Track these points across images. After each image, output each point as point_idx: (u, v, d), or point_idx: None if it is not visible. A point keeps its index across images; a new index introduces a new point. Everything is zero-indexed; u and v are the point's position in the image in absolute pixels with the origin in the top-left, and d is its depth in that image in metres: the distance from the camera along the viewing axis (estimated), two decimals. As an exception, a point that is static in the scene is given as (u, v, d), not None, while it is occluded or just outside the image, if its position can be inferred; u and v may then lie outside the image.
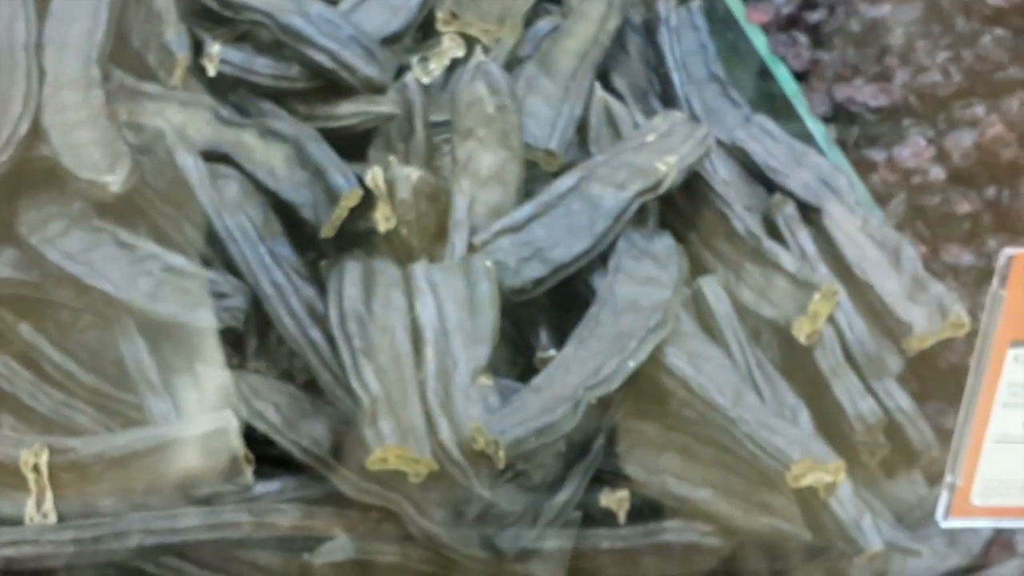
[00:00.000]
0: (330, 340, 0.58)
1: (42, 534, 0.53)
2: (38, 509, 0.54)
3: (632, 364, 0.58)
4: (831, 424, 0.63)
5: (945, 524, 0.56)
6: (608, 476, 0.60)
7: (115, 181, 0.60)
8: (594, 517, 0.59)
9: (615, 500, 0.59)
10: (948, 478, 0.56)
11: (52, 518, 0.54)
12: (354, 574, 0.58)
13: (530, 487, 0.57)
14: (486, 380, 0.58)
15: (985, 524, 0.57)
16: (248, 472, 0.55)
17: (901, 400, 0.63)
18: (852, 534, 0.57)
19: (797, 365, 0.65)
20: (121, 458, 0.54)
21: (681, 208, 0.70)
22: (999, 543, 0.64)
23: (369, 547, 0.57)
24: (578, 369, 0.57)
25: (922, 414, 0.65)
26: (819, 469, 0.56)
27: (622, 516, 0.59)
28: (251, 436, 0.57)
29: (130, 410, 0.58)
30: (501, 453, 0.53)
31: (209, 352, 0.60)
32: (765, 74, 0.87)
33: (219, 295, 0.59)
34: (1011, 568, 0.63)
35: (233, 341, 0.60)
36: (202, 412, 0.57)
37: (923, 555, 0.60)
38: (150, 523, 0.54)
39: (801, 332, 0.63)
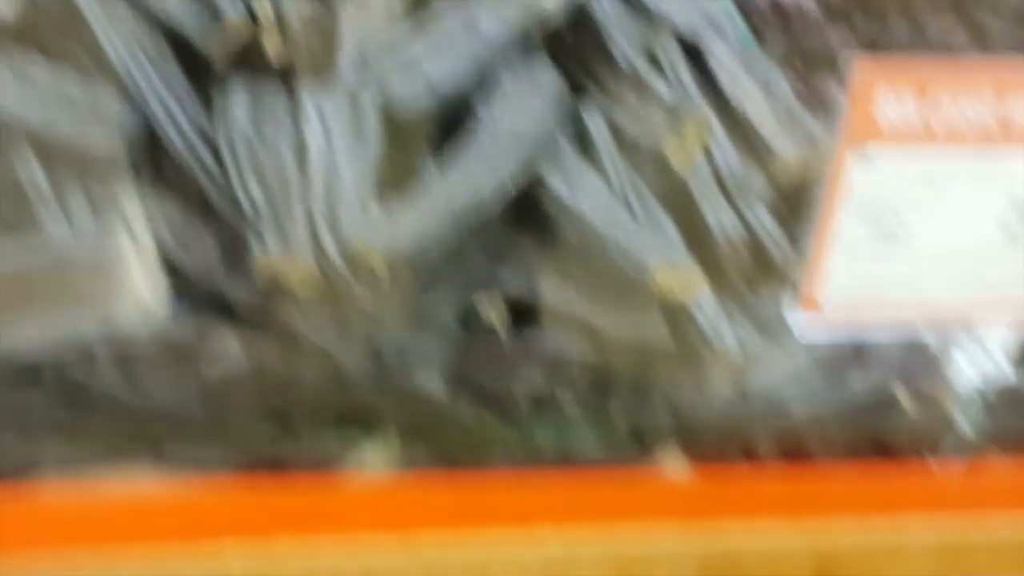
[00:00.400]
0: (219, 161, 0.60)
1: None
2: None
3: (510, 185, 0.61)
4: (699, 244, 0.66)
5: (797, 332, 0.61)
6: (489, 290, 0.63)
7: (3, 5, 0.61)
8: (473, 329, 0.63)
9: (494, 311, 0.63)
10: (798, 287, 0.60)
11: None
12: (247, 387, 0.62)
13: (410, 299, 0.60)
14: (370, 200, 0.61)
15: (834, 331, 0.61)
16: (142, 289, 0.58)
17: (765, 221, 0.67)
18: (709, 336, 0.62)
19: (671, 191, 0.69)
20: (17, 275, 0.57)
21: (566, 42, 0.72)
22: (854, 353, 0.68)
23: (261, 360, 0.61)
24: (458, 188, 0.60)
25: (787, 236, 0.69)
26: (680, 278, 0.60)
27: (500, 328, 0.63)
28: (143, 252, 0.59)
29: (23, 223, 0.61)
30: (381, 263, 0.56)
31: (104, 175, 0.62)
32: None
33: (110, 118, 0.61)
34: (861, 375, 0.68)
35: (128, 165, 0.63)
36: (97, 234, 0.59)
37: (779, 361, 0.64)
38: (48, 331, 0.57)
39: (674, 157, 0.67)
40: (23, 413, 0.62)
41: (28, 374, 0.61)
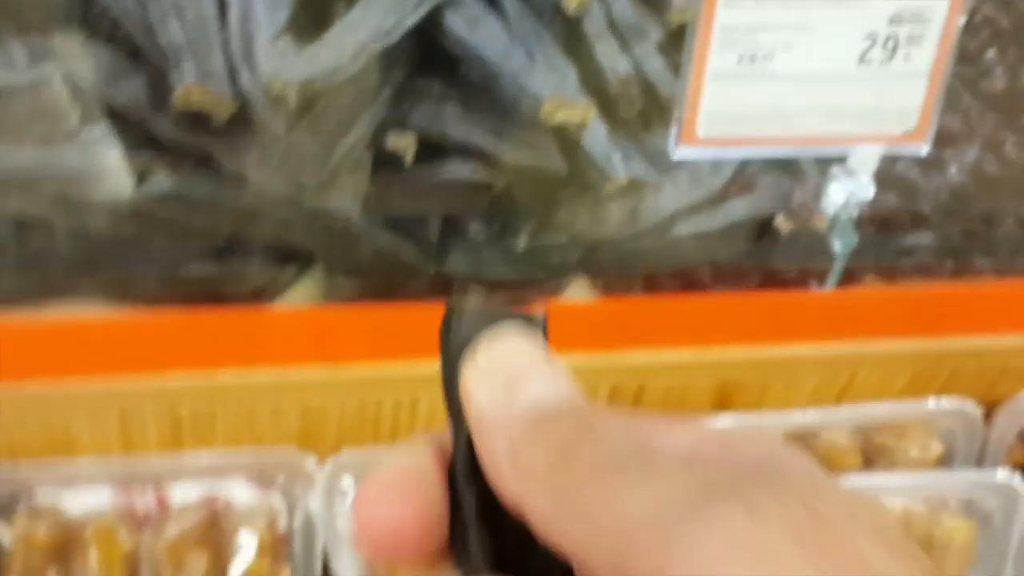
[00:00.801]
0: (143, 6, 0.65)
1: None
2: None
3: (410, 22, 0.66)
4: (594, 84, 0.72)
5: (676, 154, 0.67)
6: (396, 124, 0.69)
7: None
8: (385, 160, 0.69)
9: (402, 143, 0.68)
10: (676, 112, 0.66)
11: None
12: (173, 210, 0.67)
13: (324, 130, 0.66)
14: (285, 40, 0.66)
15: (708, 153, 0.67)
16: (73, 117, 0.63)
17: (655, 62, 0.73)
18: (601, 165, 0.68)
19: (568, 36, 0.74)
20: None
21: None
22: (738, 183, 0.75)
23: (185, 185, 0.66)
24: (364, 25, 0.65)
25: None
26: (569, 108, 0.66)
27: (408, 158, 0.69)
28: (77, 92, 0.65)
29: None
30: (293, 93, 0.62)
31: (37, 18, 0.67)
32: None
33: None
34: (743, 202, 0.74)
35: (58, 10, 0.67)
36: (30, 67, 0.64)
37: (665, 189, 0.70)
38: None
39: (570, 2, 0.72)
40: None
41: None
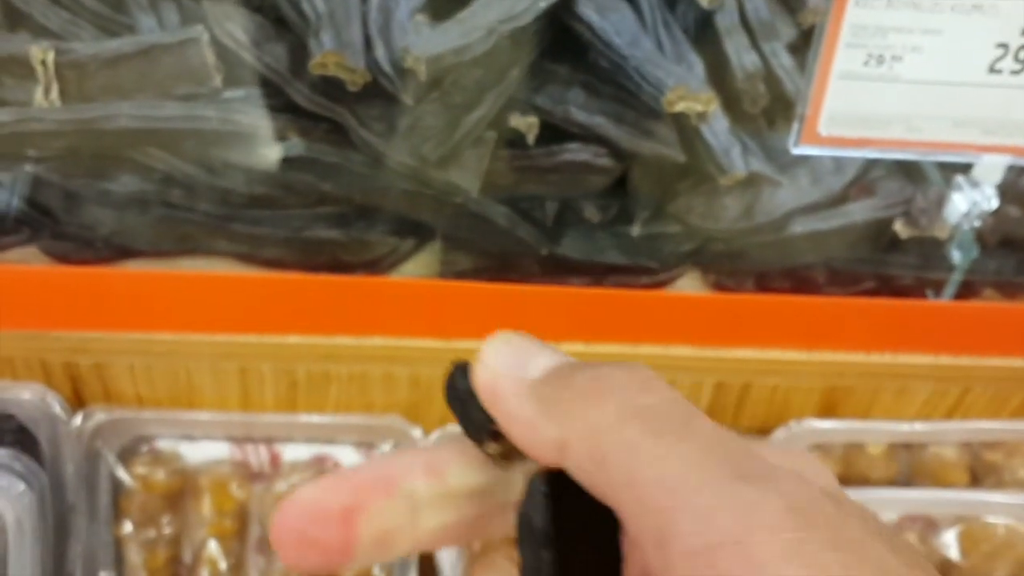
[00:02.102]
0: (290, -23, 0.69)
1: (47, 114, 0.65)
2: (46, 96, 0.66)
3: (542, 5, 0.67)
4: (722, 78, 0.73)
5: (796, 150, 0.67)
6: (521, 104, 0.71)
7: None
8: (508, 140, 0.71)
9: (525, 124, 0.70)
10: (798, 110, 0.66)
11: (56, 104, 0.66)
12: (303, 174, 0.70)
13: (451, 105, 0.68)
14: (422, 17, 0.69)
15: (829, 152, 0.67)
16: (216, 77, 0.67)
17: (784, 59, 0.73)
18: (720, 158, 0.68)
19: (701, 30, 0.75)
20: (112, 59, 0.66)
21: None
22: (859, 186, 0.74)
23: (317, 149, 0.69)
24: (497, 6, 0.67)
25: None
26: (692, 98, 0.66)
27: (531, 138, 0.70)
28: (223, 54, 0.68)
29: (124, 30, 0.70)
30: (423, 67, 0.64)
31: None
32: None
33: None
34: (863, 205, 0.74)
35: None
36: (180, 28, 0.68)
37: (783, 185, 0.70)
38: (135, 110, 0.66)
39: (704, -2, 0.73)
40: (113, 196, 0.71)
41: (120, 162, 0.70)
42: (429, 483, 0.29)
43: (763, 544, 0.22)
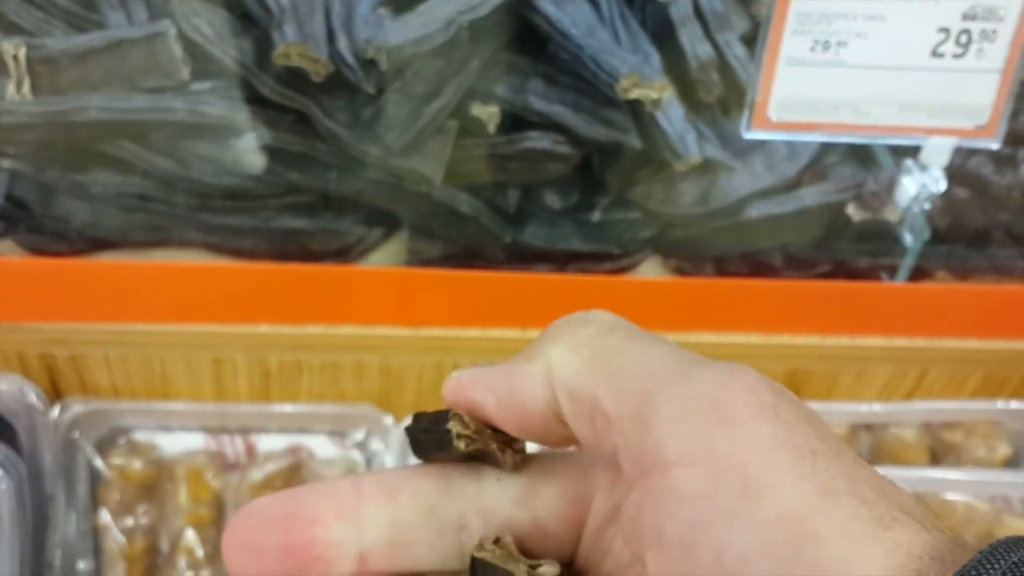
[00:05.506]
0: (254, -28, 0.70)
1: (19, 107, 0.67)
2: (18, 90, 0.67)
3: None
4: (678, 67, 0.75)
5: (748, 135, 0.69)
6: (482, 94, 0.72)
7: None
8: (470, 129, 0.72)
9: (486, 113, 0.72)
10: (749, 96, 0.68)
11: (28, 97, 0.68)
12: (271, 158, 0.72)
13: (413, 95, 0.70)
14: (384, 11, 0.71)
15: (779, 136, 0.69)
16: (184, 71, 0.69)
17: (737, 49, 0.75)
18: (675, 144, 0.70)
19: (657, 22, 0.77)
20: (82, 54, 0.68)
21: None
22: (812, 171, 0.76)
23: (282, 139, 0.71)
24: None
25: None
26: (646, 86, 0.68)
27: (492, 127, 0.72)
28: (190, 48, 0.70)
29: (94, 26, 0.71)
30: (384, 57, 0.66)
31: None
32: None
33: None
34: (816, 190, 0.75)
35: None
36: (148, 23, 0.70)
37: (739, 171, 0.72)
38: (105, 102, 0.67)
39: (657, -11, 0.75)
40: (86, 189, 0.73)
41: (93, 156, 0.72)
42: (378, 504, 0.29)
43: (742, 404, 0.24)
